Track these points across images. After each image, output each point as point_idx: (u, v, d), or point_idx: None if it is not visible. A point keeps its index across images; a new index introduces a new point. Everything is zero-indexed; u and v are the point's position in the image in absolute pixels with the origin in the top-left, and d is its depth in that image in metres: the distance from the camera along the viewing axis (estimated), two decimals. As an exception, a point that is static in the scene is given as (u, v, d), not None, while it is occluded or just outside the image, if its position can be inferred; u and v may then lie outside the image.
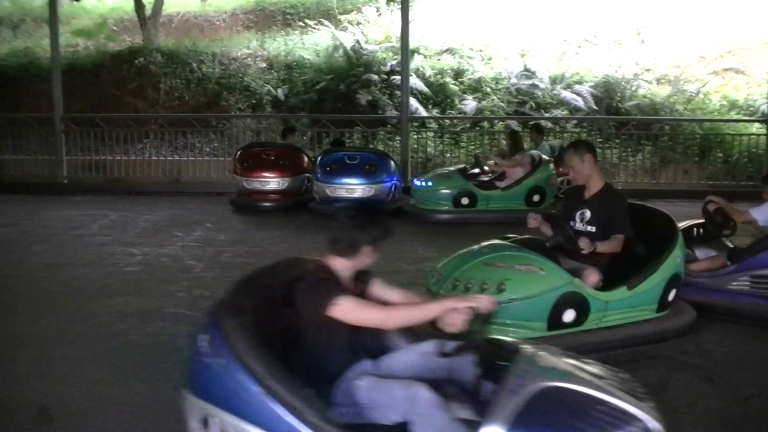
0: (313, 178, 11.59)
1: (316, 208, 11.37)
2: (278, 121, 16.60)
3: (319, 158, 11.58)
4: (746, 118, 16.52)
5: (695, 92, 17.35)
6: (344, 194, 11.13)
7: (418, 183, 11.25)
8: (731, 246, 6.68)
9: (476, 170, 11.30)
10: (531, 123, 13.80)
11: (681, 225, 6.96)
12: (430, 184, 11.02)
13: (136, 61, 18.72)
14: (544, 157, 11.26)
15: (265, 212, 11.87)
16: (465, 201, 10.80)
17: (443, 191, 10.87)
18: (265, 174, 12.03)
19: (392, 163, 11.70)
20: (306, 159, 12.47)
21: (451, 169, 11.55)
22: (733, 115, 16.78)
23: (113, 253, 8.84)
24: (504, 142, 14.77)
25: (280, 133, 13.35)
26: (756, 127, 15.32)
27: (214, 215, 11.52)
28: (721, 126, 15.90)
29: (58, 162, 14.69)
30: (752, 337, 5.91)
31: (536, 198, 10.85)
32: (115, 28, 22.39)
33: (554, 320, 5.30)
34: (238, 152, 12.55)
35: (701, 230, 6.94)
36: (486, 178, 11.20)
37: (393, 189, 11.49)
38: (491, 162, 11.54)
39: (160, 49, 19.21)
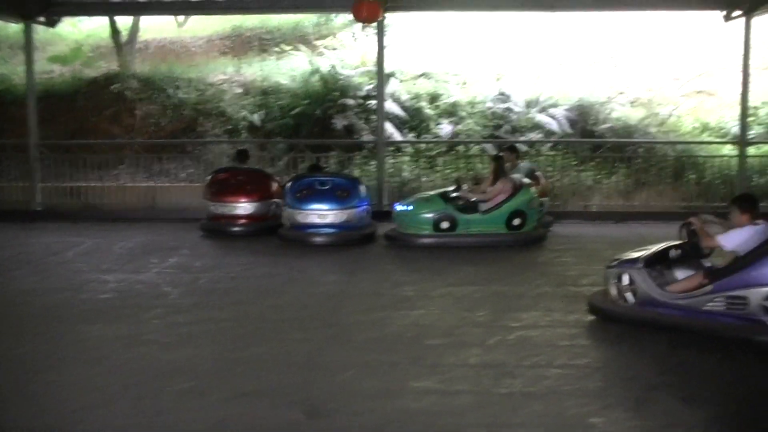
0: (283, 204, 11.57)
1: (286, 235, 11.35)
2: (255, 147, 16.57)
3: (289, 184, 11.53)
4: (718, 140, 16.70)
5: (668, 115, 17.52)
6: (316, 220, 11.11)
7: (399, 207, 11.20)
8: (708, 266, 6.75)
9: (458, 193, 11.30)
10: (505, 146, 13.79)
11: (659, 247, 7.06)
12: (411, 208, 10.99)
13: (112, 87, 18.66)
14: (525, 180, 11.29)
15: (235, 237, 11.84)
16: (445, 225, 10.80)
17: (424, 215, 10.86)
18: (232, 198, 12.06)
19: (363, 188, 11.71)
20: (274, 184, 12.49)
21: (432, 193, 11.53)
22: (705, 137, 16.94)
23: (88, 281, 8.78)
24: (479, 165, 14.91)
25: (234, 157, 13.34)
26: (728, 149, 15.49)
27: (189, 241, 11.48)
28: (693, 148, 16.04)
29: (33, 189, 14.59)
30: (727, 356, 5.95)
31: (517, 222, 10.87)
32: (91, 54, 22.28)
33: None
34: (209, 177, 12.58)
35: (679, 251, 7.01)
36: (471, 199, 11.17)
37: (365, 214, 11.49)
38: (473, 190, 11.45)
39: (136, 75, 19.18)
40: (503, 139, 16.29)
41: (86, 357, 6.00)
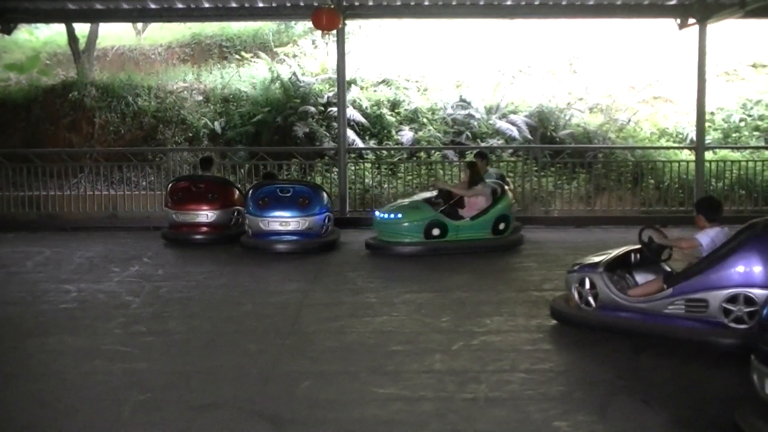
0: (245, 211, 11.51)
1: (248, 243, 11.30)
2: (216, 154, 16.48)
3: (250, 192, 11.48)
4: (676, 145, 16.93)
5: (626, 121, 17.73)
6: (278, 227, 11.04)
7: (383, 215, 11.00)
8: (668, 270, 6.82)
9: (440, 199, 11.26)
10: (475, 152, 13.78)
11: (619, 251, 7.14)
12: (399, 216, 10.81)
13: (70, 96, 18.46)
14: (505, 186, 11.39)
15: (197, 246, 11.76)
16: (436, 232, 10.73)
17: (413, 223, 10.73)
18: (194, 207, 11.98)
19: (325, 195, 11.68)
20: (236, 192, 12.44)
21: (417, 199, 11.42)
22: (663, 143, 17.18)
23: (47, 291, 8.66)
24: (441, 172, 14.96)
25: (199, 165, 13.27)
26: (685, 154, 15.70)
27: (151, 250, 11.38)
28: (652, 153, 16.25)
29: (-12, 198, 14.37)
30: (688, 360, 6.02)
31: (502, 226, 10.96)
32: (48, 62, 22.03)
33: None
34: (170, 185, 12.50)
35: (638, 256, 7.09)
36: (452, 190, 11.17)
37: (327, 221, 11.44)
38: (452, 185, 11.44)
39: (94, 83, 18.98)
40: (464, 146, 16.37)
41: (40, 371, 5.89)
